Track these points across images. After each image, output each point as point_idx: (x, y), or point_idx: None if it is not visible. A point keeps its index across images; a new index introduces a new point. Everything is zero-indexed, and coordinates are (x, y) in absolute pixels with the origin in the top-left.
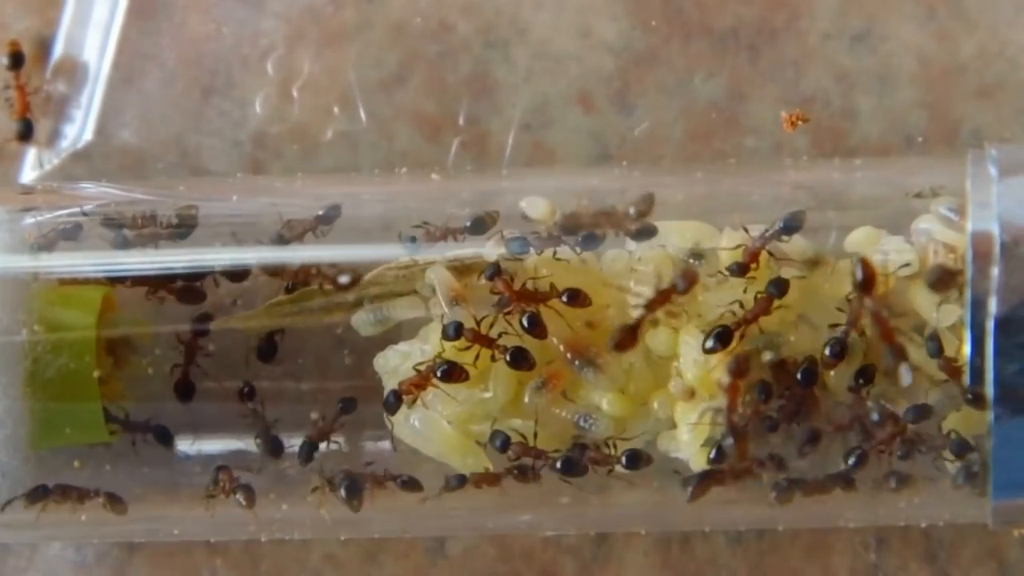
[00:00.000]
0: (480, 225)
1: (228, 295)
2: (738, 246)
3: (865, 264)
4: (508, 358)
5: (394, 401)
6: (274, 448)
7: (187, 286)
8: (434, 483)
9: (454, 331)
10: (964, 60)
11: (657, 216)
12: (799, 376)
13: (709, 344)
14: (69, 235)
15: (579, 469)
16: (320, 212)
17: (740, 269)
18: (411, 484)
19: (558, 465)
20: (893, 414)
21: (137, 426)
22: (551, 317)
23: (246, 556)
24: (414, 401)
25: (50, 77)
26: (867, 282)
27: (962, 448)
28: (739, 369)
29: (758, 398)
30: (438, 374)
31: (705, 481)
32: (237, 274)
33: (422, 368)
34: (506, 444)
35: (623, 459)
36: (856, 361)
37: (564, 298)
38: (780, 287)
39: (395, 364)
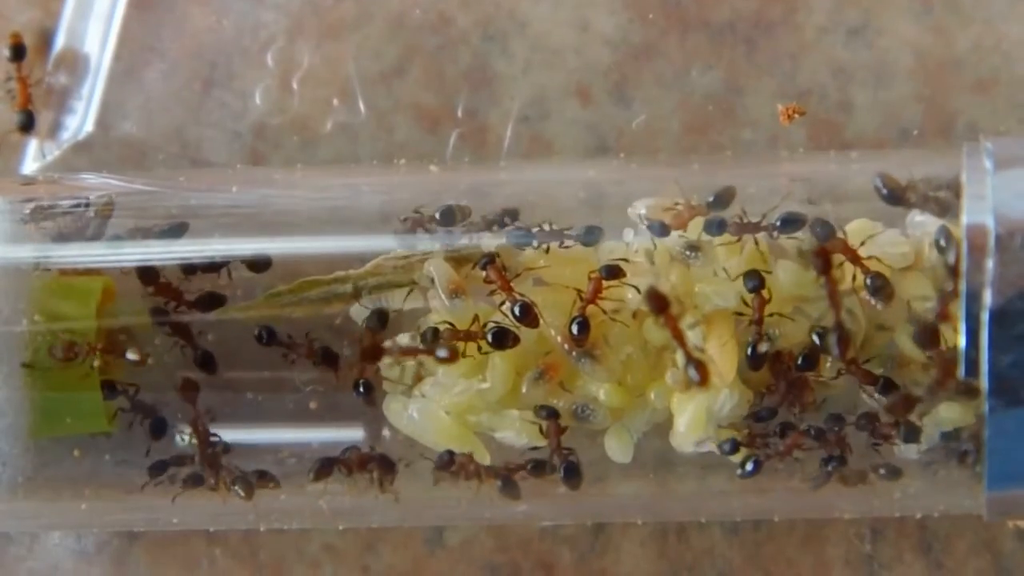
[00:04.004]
0: (450, 217)
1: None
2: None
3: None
4: (490, 339)
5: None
6: (327, 357)
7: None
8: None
9: (431, 337)
10: (960, 54)
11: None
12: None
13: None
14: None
15: (579, 477)
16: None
17: (718, 228)
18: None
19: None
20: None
21: (142, 407)
22: (548, 308)
23: (245, 545)
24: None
25: (51, 69)
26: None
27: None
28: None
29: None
30: (488, 339)
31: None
32: (257, 264)
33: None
34: (552, 414)
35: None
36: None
37: None
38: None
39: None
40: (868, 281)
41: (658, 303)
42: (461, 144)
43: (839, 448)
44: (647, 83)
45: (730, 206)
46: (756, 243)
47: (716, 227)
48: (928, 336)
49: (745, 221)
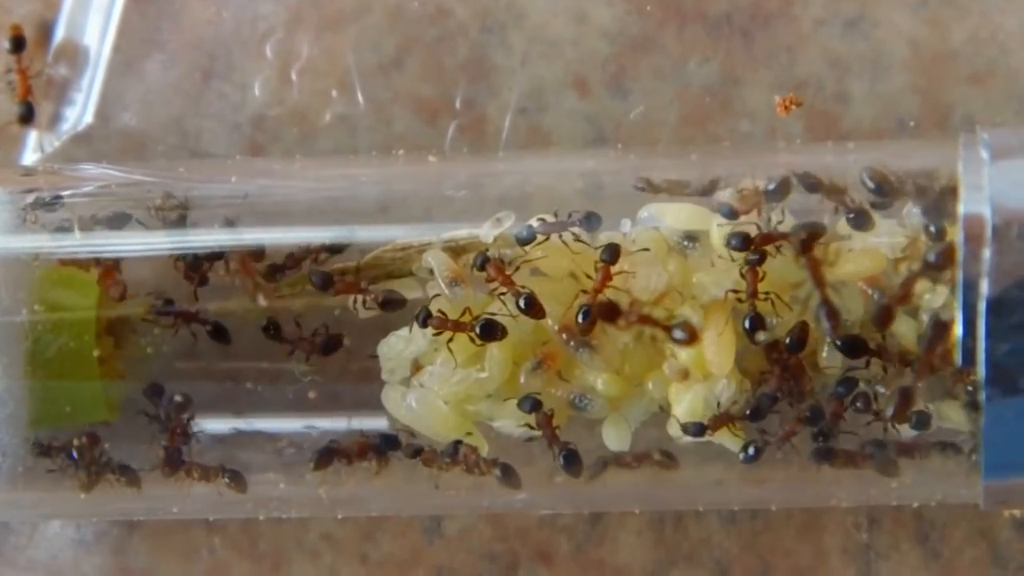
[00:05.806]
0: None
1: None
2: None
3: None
4: (478, 332)
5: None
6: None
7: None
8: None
9: (423, 319)
10: (956, 46)
11: (652, 199)
12: (788, 342)
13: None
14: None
15: (580, 464)
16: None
17: (743, 244)
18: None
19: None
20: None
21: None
22: (547, 298)
23: (244, 534)
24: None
25: (51, 60)
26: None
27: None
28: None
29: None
30: (477, 331)
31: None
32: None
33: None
34: (536, 406)
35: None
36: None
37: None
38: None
39: (398, 349)
40: (849, 216)
41: (609, 314)
42: (459, 135)
43: (832, 428)
44: (645, 75)
45: (787, 196)
46: (778, 249)
47: (741, 242)
48: (883, 318)
49: (766, 231)
